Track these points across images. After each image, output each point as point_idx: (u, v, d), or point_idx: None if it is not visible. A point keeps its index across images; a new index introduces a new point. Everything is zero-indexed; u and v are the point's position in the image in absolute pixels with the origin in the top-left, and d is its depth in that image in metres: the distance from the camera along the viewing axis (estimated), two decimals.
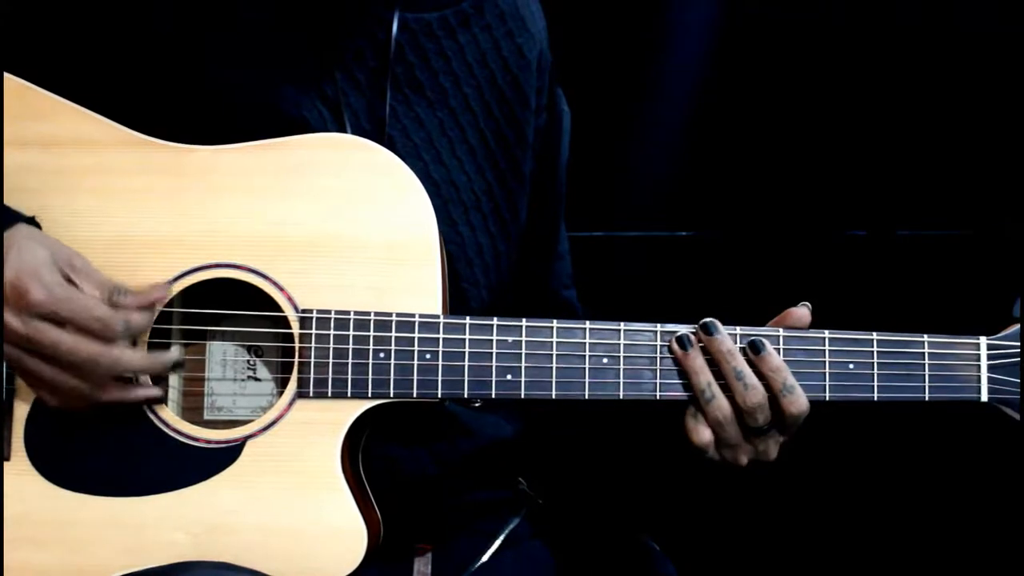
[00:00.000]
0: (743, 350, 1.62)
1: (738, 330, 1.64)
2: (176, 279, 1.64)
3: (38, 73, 1.68)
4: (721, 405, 1.62)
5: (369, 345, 1.62)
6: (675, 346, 1.63)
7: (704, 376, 1.62)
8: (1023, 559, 1.94)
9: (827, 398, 1.64)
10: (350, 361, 1.62)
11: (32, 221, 1.61)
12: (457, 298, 1.74)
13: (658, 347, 1.64)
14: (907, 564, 2.85)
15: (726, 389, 1.62)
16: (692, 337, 1.63)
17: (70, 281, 1.55)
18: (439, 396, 1.63)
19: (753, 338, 1.62)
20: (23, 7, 1.74)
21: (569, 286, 2.03)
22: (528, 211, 1.93)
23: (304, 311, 1.63)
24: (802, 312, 1.66)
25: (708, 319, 1.63)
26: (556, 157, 1.98)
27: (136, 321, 1.57)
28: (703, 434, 1.63)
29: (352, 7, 1.76)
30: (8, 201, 1.61)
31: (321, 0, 1.75)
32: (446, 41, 1.83)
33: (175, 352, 1.66)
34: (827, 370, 1.64)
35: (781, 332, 1.64)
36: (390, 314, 1.62)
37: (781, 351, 1.63)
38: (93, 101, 1.68)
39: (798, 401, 1.62)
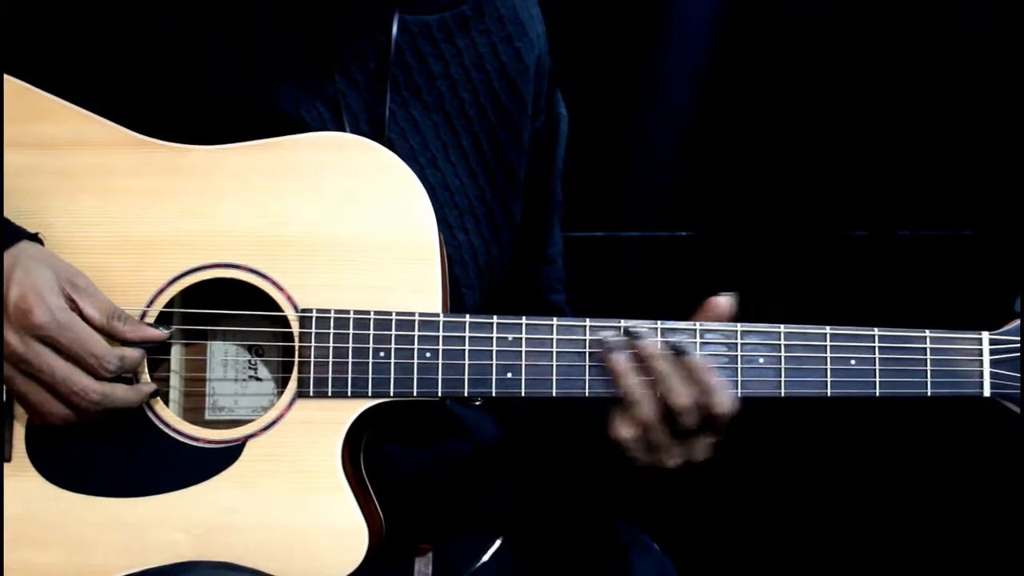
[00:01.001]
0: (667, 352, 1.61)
1: (739, 327, 1.64)
2: (176, 279, 1.64)
3: (38, 74, 1.68)
4: (647, 407, 1.61)
5: (369, 344, 1.62)
6: (599, 348, 1.62)
7: (629, 378, 1.61)
8: (1023, 558, 1.94)
9: (829, 394, 1.63)
10: (350, 360, 1.62)
11: (35, 238, 1.61)
12: (453, 302, 1.74)
13: (658, 344, 1.63)
14: (908, 561, 2.85)
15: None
16: (614, 339, 1.62)
17: (72, 300, 1.55)
18: (439, 395, 1.63)
19: (675, 343, 1.62)
20: (23, 8, 1.74)
21: (559, 291, 2.02)
22: (521, 214, 1.93)
23: (304, 311, 1.63)
24: (723, 301, 1.65)
25: (633, 323, 1.62)
26: (551, 160, 1.98)
27: (130, 358, 1.58)
28: (624, 431, 1.62)
29: (352, 8, 1.76)
30: (8, 201, 1.62)
31: (321, 1, 1.75)
32: (444, 44, 1.83)
33: (161, 375, 1.67)
34: (828, 366, 1.63)
35: (782, 329, 1.64)
36: (390, 313, 1.62)
37: (783, 347, 1.63)
38: (93, 102, 1.68)
39: (725, 399, 1.60)
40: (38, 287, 1.52)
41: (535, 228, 1.97)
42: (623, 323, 1.64)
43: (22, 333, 1.52)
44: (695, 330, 1.64)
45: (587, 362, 1.63)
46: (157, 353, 1.64)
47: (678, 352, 1.61)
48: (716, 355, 1.63)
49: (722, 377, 1.62)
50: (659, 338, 1.62)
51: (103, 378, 1.55)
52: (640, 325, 1.62)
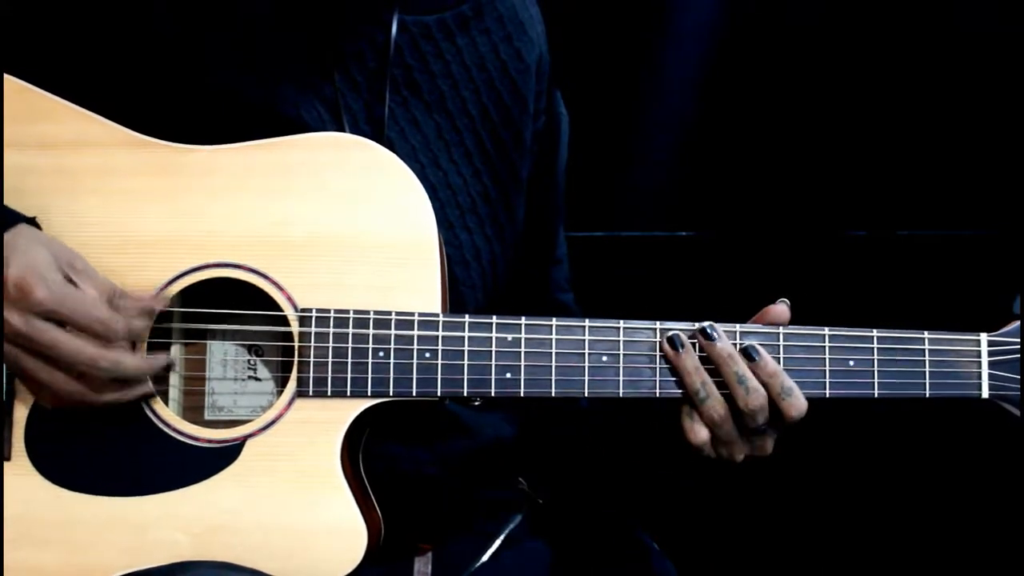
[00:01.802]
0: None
1: (737, 327, 1.64)
2: (176, 279, 1.64)
3: (38, 74, 1.68)
4: (716, 405, 1.62)
5: (368, 344, 1.62)
6: (667, 347, 1.63)
7: (698, 376, 1.62)
8: (1023, 558, 1.94)
9: (827, 395, 1.64)
10: (349, 360, 1.62)
11: (33, 222, 1.61)
12: (454, 301, 1.74)
13: (657, 345, 1.64)
14: (907, 562, 2.85)
15: (722, 388, 1.62)
16: (683, 337, 1.63)
17: (71, 282, 1.55)
18: (439, 395, 1.63)
19: (746, 346, 1.62)
20: (23, 8, 1.74)
21: (566, 289, 2.03)
22: (525, 215, 1.93)
23: (303, 310, 1.63)
24: (780, 309, 1.66)
25: (707, 323, 1.63)
26: (554, 161, 1.98)
27: (136, 324, 1.58)
28: (700, 433, 1.64)
29: (352, 8, 1.76)
30: (8, 201, 1.62)
31: (321, 1, 1.75)
32: (444, 44, 1.83)
33: (173, 352, 1.66)
34: (827, 367, 1.63)
35: (781, 330, 1.64)
36: (389, 313, 1.62)
37: (781, 348, 1.63)
38: (93, 102, 1.68)
39: (797, 403, 1.62)
40: (37, 266, 1.52)
41: (542, 229, 1.98)
42: (658, 324, 1.64)
43: (24, 312, 1.51)
44: (693, 330, 1.63)
45: (586, 363, 1.63)
46: (157, 353, 1.64)
47: (750, 357, 1.62)
48: (639, 355, 1.64)
49: (638, 380, 1.63)
50: (737, 340, 1.63)
51: (111, 343, 1.55)
52: (716, 326, 1.63)
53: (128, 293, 1.59)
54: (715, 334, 1.62)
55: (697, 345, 1.63)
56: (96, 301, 1.55)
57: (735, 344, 1.62)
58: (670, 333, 1.63)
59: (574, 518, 1.91)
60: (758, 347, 1.62)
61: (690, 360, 1.62)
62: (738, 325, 1.64)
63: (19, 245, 1.54)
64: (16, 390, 1.62)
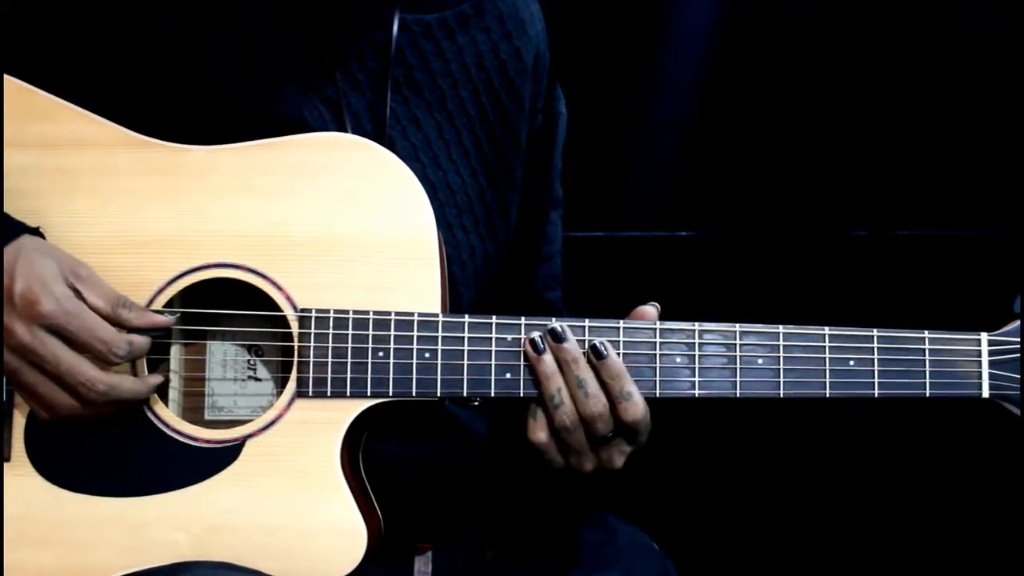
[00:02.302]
0: (586, 354, 1.61)
1: (737, 327, 1.64)
2: (176, 279, 1.64)
3: (38, 74, 1.68)
4: (568, 412, 1.60)
5: (368, 344, 1.62)
6: (528, 348, 1.62)
7: (555, 381, 1.60)
8: (1023, 558, 1.94)
9: (827, 395, 1.63)
10: (349, 360, 1.62)
11: (36, 231, 1.61)
12: (452, 301, 1.74)
13: (657, 344, 1.63)
14: (907, 562, 2.85)
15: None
16: (544, 340, 1.61)
17: (75, 290, 1.55)
18: (438, 395, 1.63)
19: (594, 343, 1.61)
20: (24, 8, 1.74)
21: (553, 288, 2.02)
22: (517, 212, 1.93)
23: (303, 310, 1.63)
24: (649, 311, 1.65)
25: (556, 324, 1.62)
26: (549, 159, 1.98)
27: (138, 344, 1.58)
28: (540, 434, 1.62)
29: (352, 8, 1.76)
30: (8, 201, 1.62)
31: (321, 1, 1.75)
32: (445, 43, 1.83)
33: (172, 353, 1.68)
34: (827, 367, 1.63)
35: (781, 329, 1.64)
36: (389, 313, 1.62)
37: (781, 348, 1.63)
38: (93, 102, 1.68)
39: (633, 408, 1.60)
40: (43, 277, 1.53)
41: (531, 226, 1.97)
42: (657, 324, 1.63)
43: (29, 323, 1.52)
44: (693, 330, 1.64)
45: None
46: (157, 353, 1.64)
47: (598, 355, 1.60)
48: (639, 354, 1.63)
49: (638, 381, 1.61)
50: (586, 337, 1.62)
51: (112, 364, 1.55)
52: (566, 324, 1.61)
53: (134, 303, 1.59)
54: (564, 335, 1.61)
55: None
56: (101, 321, 1.55)
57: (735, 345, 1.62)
58: (532, 335, 1.62)
59: (573, 518, 1.91)
60: (607, 345, 1.61)
61: (550, 364, 1.61)
62: (737, 325, 1.64)
63: (24, 256, 1.54)
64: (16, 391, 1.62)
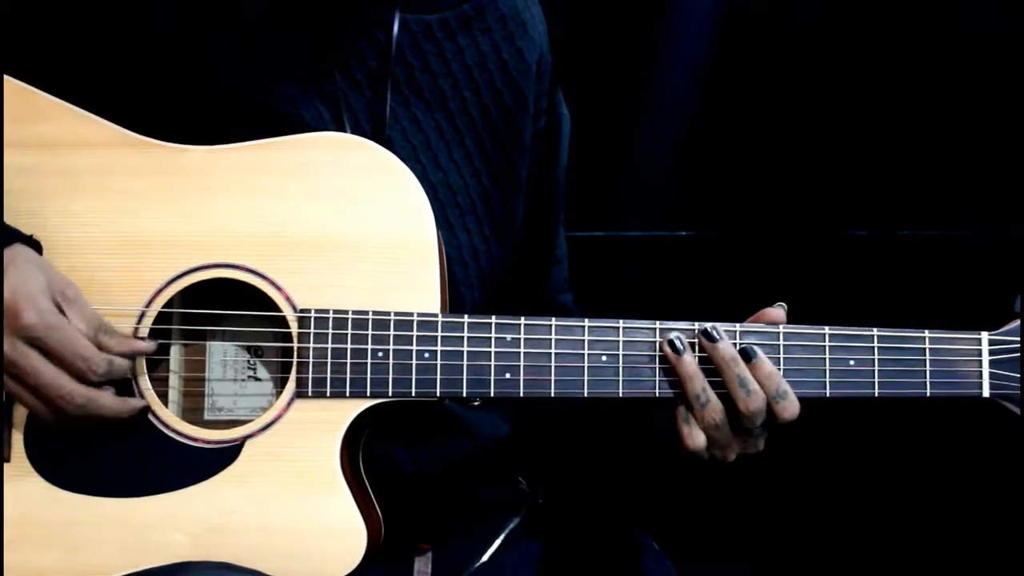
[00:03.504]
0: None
1: (737, 327, 1.64)
2: (175, 279, 1.64)
3: (38, 74, 1.68)
4: (715, 409, 1.61)
5: (367, 344, 1.62)
6: (667, 350, 1.62)
7: (698, 381, 1.60)
8: (1023, 557, 1.94)
9: (827, 395, 1.63)
10: (348, 361, 1.62)
11: (32, 241, 1.61)
12: (452, 301, 1.74)
13: (657, 345, 1.63)
14: (909, 561, 2.85)
15: (718, 388, 1.61)
16: (684, 340, 1.62)
17: (61, 310, 1.55)
18: (438, 395, 1.62)
19: (744, 346, 1.61)
20: (23, 8, 1.74)
21: (566, 290, 2.03)
22: (525, 215, 1.92)
23: (302, 311, 1.63)
24: (777, 312, 1.65)
25: (708, 324, 1.62)
26: (555, 161, 1.98)
27: (119, 365, 1.58)
28: (698, 438, 1.62)
29: (353, 7, 1.76)
30: (8, 201, 1.62)
31: (321, 1, 1.75)
32: (446, 43, 1.83)
33: (173, 353, 1.67)
34: (827, 367, 1.63)
35: (781, 329, 1.64)
36: (388, 313, 1.62)
37: (781, 347, 1.63)
38: (94, 102, 1.68)
39: (791, 407, 1.61)
40: (29, 289, 1.52)
41: (542, 230, 1.97)
42: (657, 324, 1.63)
43: (10, 335, 1.52)
44: (693, 330, 1.63)
45: (586, 363, 1.63)
46: (156, 353, 1.64)
47: (748, 356, 1.61)
48: (639, 354, 1.63)
49: (639, 380, 1.62)
50: (737, 340, 1.62)
51: (91, 383, 1.55)
52: (717, 327, 1.62)
53: (115, 330, 1.59)
54: (717, 335, 1.62)
55: (697, 347, 1.62)
56: (82, 337, 1.55)
57: (734, 344, 1.62)
58: (671, 336, 1.62)
59: (572, 518, 1.91)
60: (756, 348, 1.62)
61: (691, 364, 1.61)
62: (738, 324, 1.64)
63: (15, 266, 1.54)
64: None
